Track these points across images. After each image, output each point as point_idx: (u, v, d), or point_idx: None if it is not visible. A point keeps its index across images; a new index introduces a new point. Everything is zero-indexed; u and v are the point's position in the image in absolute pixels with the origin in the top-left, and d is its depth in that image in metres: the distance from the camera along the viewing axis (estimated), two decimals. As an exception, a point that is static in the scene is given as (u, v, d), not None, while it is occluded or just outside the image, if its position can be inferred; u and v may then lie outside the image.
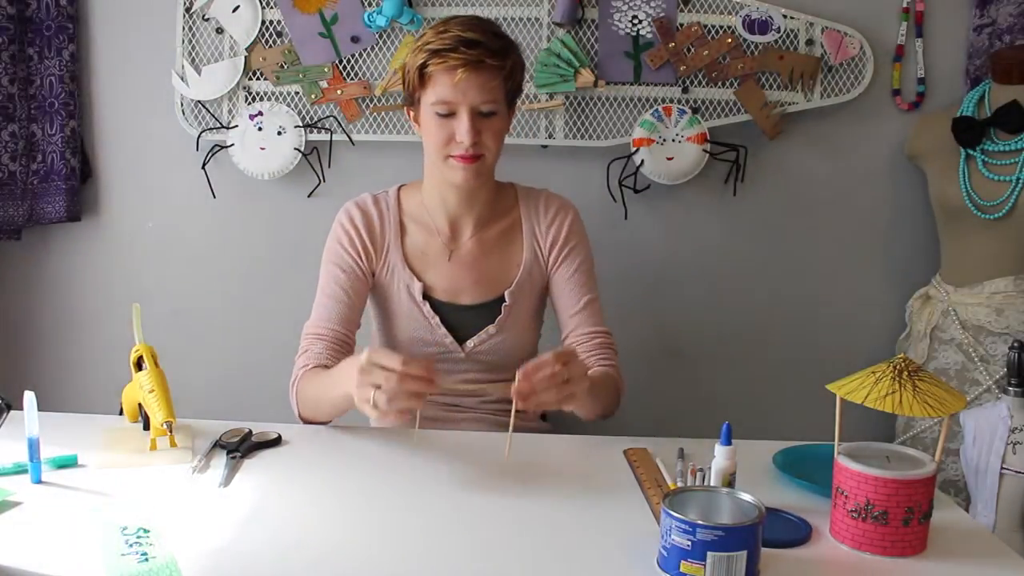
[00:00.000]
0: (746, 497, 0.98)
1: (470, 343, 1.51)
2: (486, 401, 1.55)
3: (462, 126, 1.39)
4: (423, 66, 1.39)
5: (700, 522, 0.91)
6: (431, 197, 1.53)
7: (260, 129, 1.97)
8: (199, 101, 1.99)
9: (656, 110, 1.94)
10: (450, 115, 1.40)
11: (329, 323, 1.47)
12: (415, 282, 1.50)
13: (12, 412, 1.21)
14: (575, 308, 1.53)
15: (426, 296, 1.51)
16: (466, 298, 1.52)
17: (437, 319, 1.50)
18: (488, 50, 1.37)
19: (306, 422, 1.44)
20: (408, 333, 1.52)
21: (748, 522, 0.92)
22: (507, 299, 1.52)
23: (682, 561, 0.92)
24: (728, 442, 1.11)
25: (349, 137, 1.99)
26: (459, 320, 1.51)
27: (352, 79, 1.97)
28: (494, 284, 1.53)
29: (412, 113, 1.48)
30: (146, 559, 0.96)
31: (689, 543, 0.91)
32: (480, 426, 1.52)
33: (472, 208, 1.52)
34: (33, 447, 1.15)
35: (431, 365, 1.17)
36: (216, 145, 2.00)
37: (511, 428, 1.22)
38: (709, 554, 0.91)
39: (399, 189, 1.57)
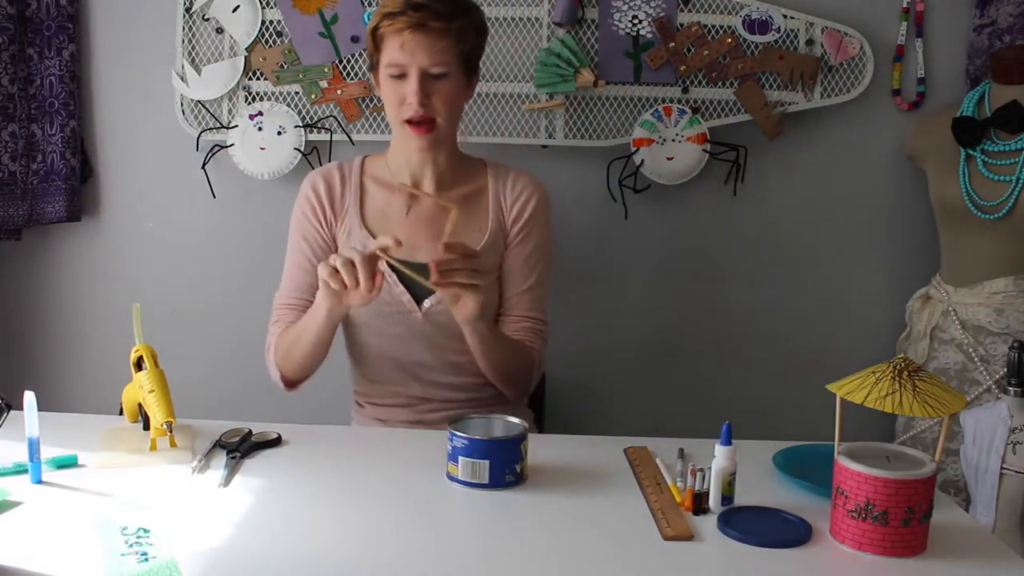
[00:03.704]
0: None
1: (427, 303, 1.51)
2: (455, 401, 1.56)
3: (410, 87, 1.43)
4: (375, 28, 1.45)
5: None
6: (395, 157, 1.57)
7: (260, 129, 1.97)
8: (199, 101, 1.99)
9: (656, 110, 1.94)
10: (402, 76, 1.44)
11: (298, 292, 1.54)
12: (370, 241, 1.52)
13: (12, 412, 1.21)
14: (517, 290, 1.55)
15: None
16: (423, 256, 1.48)
17: (395, 277, 1.50)
18: (433, 12, 1.40)
19: (286, 383, 1.53)
20: None
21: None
22: None
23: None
24: (728, 442, 1.11)
25: (349, 137, 1.99)
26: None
27: (352, 79, 1.97)
28: None
29: (375, 78, 1.51)
30: (146, 559, 0.96)
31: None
32: None
33: (435, 166, 1.54)
34: (33, 447, 1.15)
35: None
36: (216, 145, 2.00)
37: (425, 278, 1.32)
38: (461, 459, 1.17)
39: (365, 156, 1.62)
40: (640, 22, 1.92)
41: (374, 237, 1.52)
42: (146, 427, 1.32)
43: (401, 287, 1.50)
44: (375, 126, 1.99)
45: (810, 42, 1.93)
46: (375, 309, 1.51)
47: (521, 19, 1.95)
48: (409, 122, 1.46)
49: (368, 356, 1.58)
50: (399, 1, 1.42)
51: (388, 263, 1.37)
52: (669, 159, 1.94)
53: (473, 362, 1.52)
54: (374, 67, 1.50)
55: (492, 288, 1.55)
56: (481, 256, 1.35)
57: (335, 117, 1.99)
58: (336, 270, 1.28)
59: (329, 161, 2.01)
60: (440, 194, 1.54)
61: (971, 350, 1.76)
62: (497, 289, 1.57)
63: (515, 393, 1.56)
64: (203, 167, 2.01)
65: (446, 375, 1.55)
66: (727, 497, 1.12)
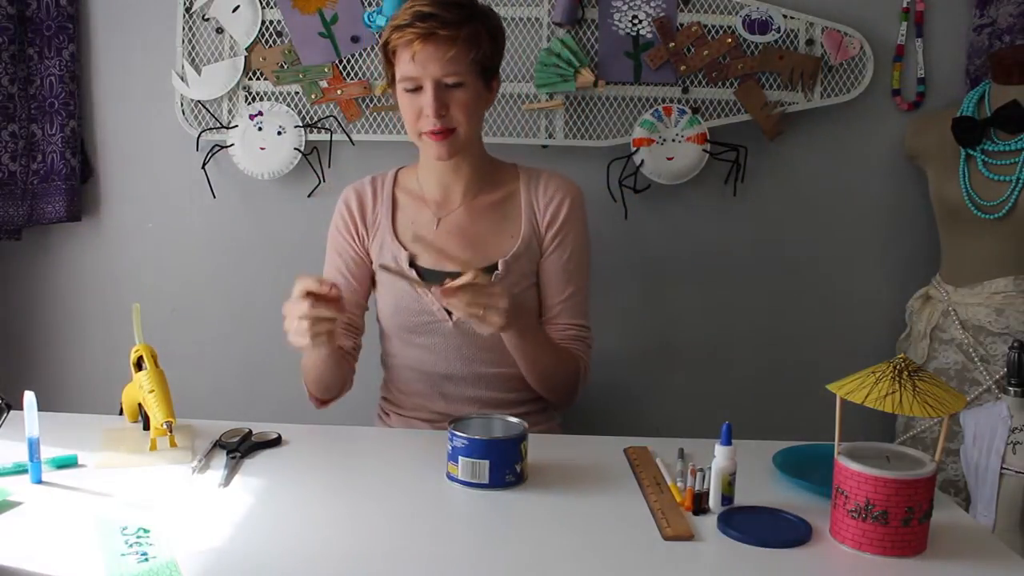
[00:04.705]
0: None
1: None
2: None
3: (426, 99, 1.41)
4: (386, 43, 1.44)
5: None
6: (424, 168, 1.57)
7: (260, 129, 1.97)
8: (199, 101, 1.99)
9: (656, 110, 1.94)
10: (417, 90, 1.43)
11: None
12: (401, 251, 1.52)
13: (12, 412, 1.21)
14: (559, 298, 1.54)
15: (413, 265, 1.52)
16: (453, 265, 1.50)
17: (425, 287, 1.50)
18: (441, 22, 1.38)
19: (314, 400, 1.54)
20: (397, 304, 1.52)
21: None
22: (500, 268, 1.50)
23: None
24: (728, 442, 1.11)
25: (349, 137, 1.99)
26: None
27: (352, 79, 1.97)
28: (485, 252, 1.52)
29: (393, 93, 1.51)
30: (146, 559, 0.96)
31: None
32: None
33: (460, 174, 1.54)
34: (33, 447, 1.15)
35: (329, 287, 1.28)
36: (216, 145, 2.00)
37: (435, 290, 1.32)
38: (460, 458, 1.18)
39: (399, 169, 1.62)
40: (640, 22, 1.92)
41: (405, 249, 1.53)
42: (146, 427, 1.32)
43: (431, 296, 1.49)
44: (375, 126, 1.99)
45: (810, 42, 1.93)
46: (406, 319, 1.52)
47: (521, 19, 1.95)
48: (425, 132, 1.45)
49: (397, 366, 1.58)
50: (407, 13, 1.40)
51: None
52: (669, 159, 1.94)
53: (503, 376, 1.52)
54: (391, 82, 1.49)
55: (529, 292, 1.55)
56: (482, 276, 1.32)
57: (335, 117, 1.99)
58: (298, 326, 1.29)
59: (328, 162, 2.02)
60: (468, 207, 1.54)
61: (971, 350, 1.76)
62: (535, 293, 1.56)
63: (560, 399, 1.56)
64: (203, 167, 2.01)
65: (475, 388, 1.54)
66: (727, 497, 1.12)
